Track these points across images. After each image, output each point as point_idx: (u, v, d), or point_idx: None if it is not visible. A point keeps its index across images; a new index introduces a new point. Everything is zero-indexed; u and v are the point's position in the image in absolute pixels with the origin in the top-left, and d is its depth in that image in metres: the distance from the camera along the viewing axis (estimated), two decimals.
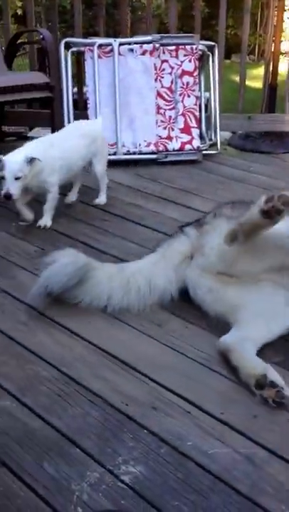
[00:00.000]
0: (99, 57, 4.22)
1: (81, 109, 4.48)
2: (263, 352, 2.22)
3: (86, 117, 4.20)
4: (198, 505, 1.63)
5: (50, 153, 3.23)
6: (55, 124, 3.83)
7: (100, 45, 4.23)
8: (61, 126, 3.98)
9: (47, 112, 4.09)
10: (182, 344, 2.33)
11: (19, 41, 4.48)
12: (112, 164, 4.20)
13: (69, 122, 4.19)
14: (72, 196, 3.59)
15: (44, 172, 3.19)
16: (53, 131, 3.86)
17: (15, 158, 3.08)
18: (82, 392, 2.06)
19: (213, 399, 2.03)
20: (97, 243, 3.13)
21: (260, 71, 6.11)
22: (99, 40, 4.29)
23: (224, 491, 1.68)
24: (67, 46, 4.27)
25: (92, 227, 3.32)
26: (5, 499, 1.64)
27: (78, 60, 4.51)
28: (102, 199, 3.65)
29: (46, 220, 3.29)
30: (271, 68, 5.30)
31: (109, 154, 4.21)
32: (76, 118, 4.21)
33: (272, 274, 2.39)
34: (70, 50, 4.27)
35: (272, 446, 1.83)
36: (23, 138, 4.75)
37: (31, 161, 3.07)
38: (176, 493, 1.67)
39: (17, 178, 3.05)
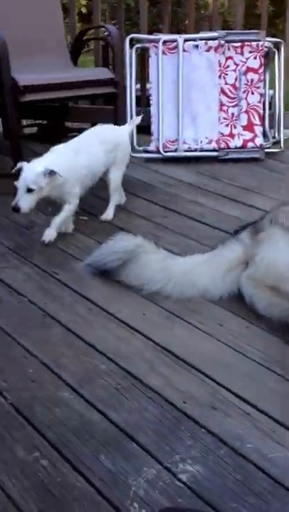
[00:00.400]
0: (163, 53, 4.20)
1: (143, 106, 4.46)
2: None
3: (147, 114, 4.20)
4: (258, 509, 1.58)
5: (77, 161, 3.00)
6: (118, 120, 3.82)
7: (165, 42, 4.20)
8: (124, 122, 3.98)
9: (110, 108, 4.08)
10: (242, 344, 2.28)
11: (85, 38, 4.50)
12: (172, 161, 4.20)
13: (131, 118, 4.19)
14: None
15: (68, 183, 2.94)
16: None
17: (33, 168, 2.79)
18: (139, 387, 2.04)
19: (273, 401, 1.97)
20: (157, 239, 3.08)
21: None
22: (164, 37, 4.26)
23: (285, 496, 1.63)
24: (131, 43, 4.27)
25: (152, 224, 3.30)
26: (62, 489, 1.63)
27: (142, 56, 4.49)
28: (109, 213, 3.29)
29: (50, 233, 2.98)
30: None
31: (170, 151, 4.21)
32: (138, 114, 4.20)
33: None
34: (134, 47, 4.27)
35: None
36: None
37: (50, 173, 2.78)
38: (235, 495, 1.62)
39: (30, 191, 2.76)
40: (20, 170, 2.80)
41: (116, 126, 3.43)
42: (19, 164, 2.83)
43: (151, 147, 4.23)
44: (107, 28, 4.09)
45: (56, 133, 4.62)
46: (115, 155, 3.20)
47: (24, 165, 2.81)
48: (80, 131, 4.81)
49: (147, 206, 3.53)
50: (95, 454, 1.75)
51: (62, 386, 2.03)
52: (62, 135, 4.67)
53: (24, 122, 4.87)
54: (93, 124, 4.93)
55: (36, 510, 1.57)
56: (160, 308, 2.50)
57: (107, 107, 4.32)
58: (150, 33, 4.59)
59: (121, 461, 1.73)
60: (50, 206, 3.17)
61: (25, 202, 2.76)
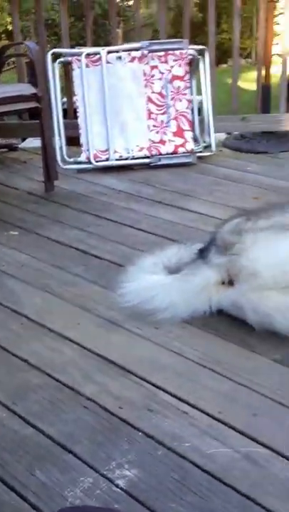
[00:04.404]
0: (87, 66, 4.19)
1: (71, 118, 4.45)
2: (262, 349, 2.17)
3: (76, 126, 4.18)
4: (196, 507, 1.56)
5: None
6: (45, 134, 3.79)
7: (88, 54, 4.20)
8: (51, 135, 3.94)
9: (36, 123, 4.04)
10: (179, 345, 2.26)
11: (6, 55, 4.46)
12: (104, 170, 4.18)
13: (59, 131, 4.16)
14: None
15: None
16: (43, 141, 3.80)
17: None
18: (74, 397, 1.99)
19: (210, 399, 1.96)
20: (92, 249, 3.07)
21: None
22: (86, 50, 4.27)
23: (223, 492, 1.60)
24: (56, 57, 4.26)
25: (86, 233, 3.26)
26: None
27: (68, 70, 4.49)
28: None
29: None
30: (264, 70, 5.23)
31: (101, 160, 4.20)
32: (66, 127, 4.19)
33: None
34: (58, 61, 4.26)
35: (272, 444, 1.76)
36: (14, 149, 4.74)
37: None
38: (173, 494, 1.59)
39: None
40: None
41: None
42: None
43: (82, 158, 4.20)
44: (26, 44, 4.08)
45: None
46: None
47: None
48: (8, 146, 4.79)
49: (80, 216, 3.49)
50: (29, 470, 1.69)
51: None
52: None
53: None
54: (23, 139, 4.92)
55: None
56: (95, 316, 2.46)
57: (34, 121, 4.28)
58: (78, 46, 4.59)
59: (56, 474, 1.68)
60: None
61: None
